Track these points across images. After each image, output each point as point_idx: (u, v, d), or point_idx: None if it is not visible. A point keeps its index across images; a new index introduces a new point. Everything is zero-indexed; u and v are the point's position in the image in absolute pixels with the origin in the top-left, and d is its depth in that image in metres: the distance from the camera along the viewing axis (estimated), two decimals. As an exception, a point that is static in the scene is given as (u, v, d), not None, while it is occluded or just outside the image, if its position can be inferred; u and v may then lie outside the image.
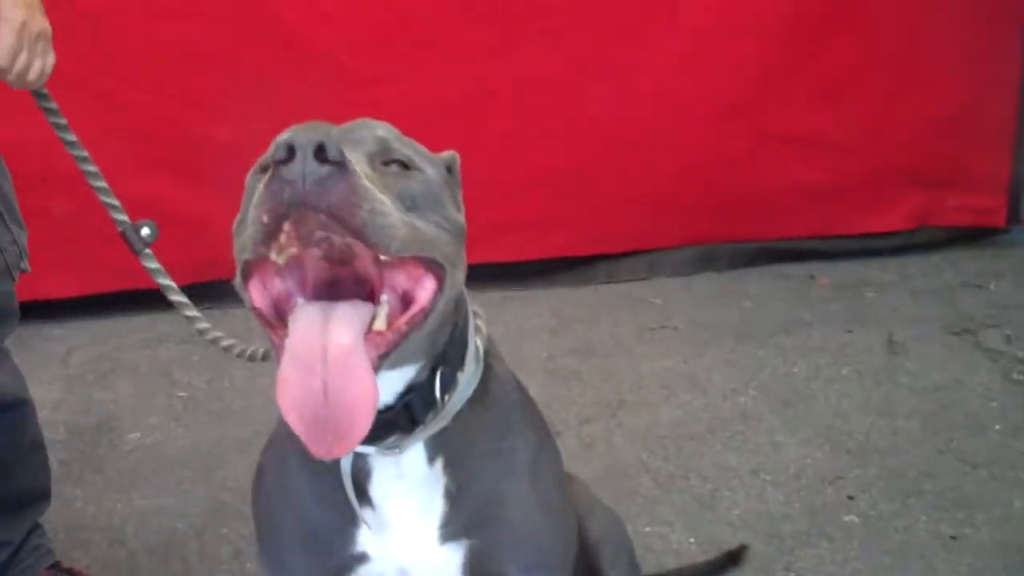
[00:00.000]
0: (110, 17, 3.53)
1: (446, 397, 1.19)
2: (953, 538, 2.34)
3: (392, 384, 1.15)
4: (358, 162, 1.02)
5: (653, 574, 2.19)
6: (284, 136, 0.94)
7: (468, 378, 1.23)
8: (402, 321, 1.04)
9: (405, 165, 1.11)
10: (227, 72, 3.71)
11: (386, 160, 1.10)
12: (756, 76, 3.81)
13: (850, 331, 3.42)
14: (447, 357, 1.19)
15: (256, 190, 0.97)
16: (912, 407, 2.90)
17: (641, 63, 3.76)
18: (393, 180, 1.07)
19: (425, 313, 1.07)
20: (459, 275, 1.15)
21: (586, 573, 1.77)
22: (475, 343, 1.26)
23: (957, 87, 3.90)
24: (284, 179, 0.91)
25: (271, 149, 1.04)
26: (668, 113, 3.83)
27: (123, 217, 1.57)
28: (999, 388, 2.98)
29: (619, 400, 3.06)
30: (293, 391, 0.95)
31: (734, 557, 2.28)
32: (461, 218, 1.18)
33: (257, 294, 1.05)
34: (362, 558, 1.27)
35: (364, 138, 1.11)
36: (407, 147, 1.14)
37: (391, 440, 1.17)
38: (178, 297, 1.62)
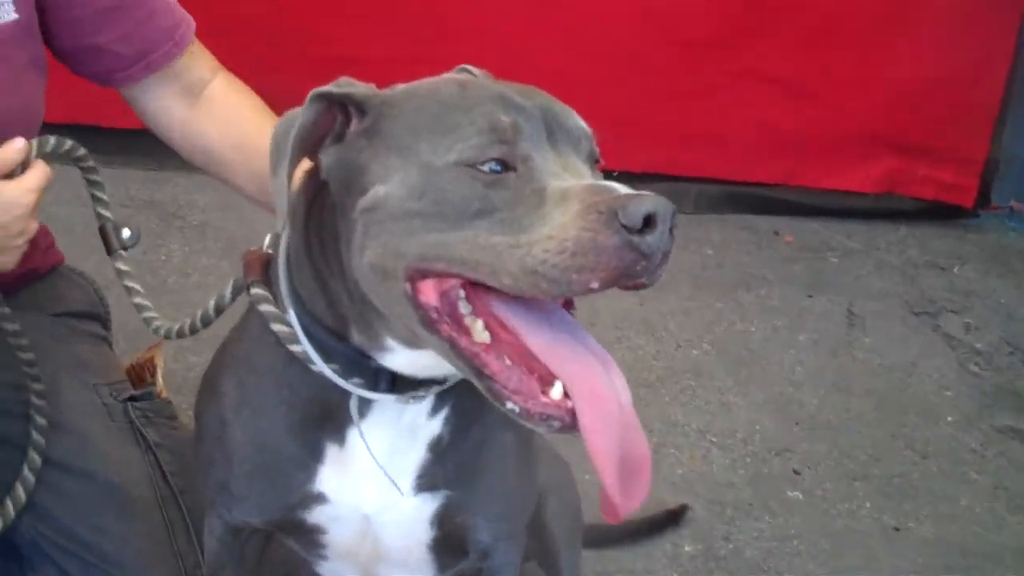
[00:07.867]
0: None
1: None
2: (896, 529, 2.28)
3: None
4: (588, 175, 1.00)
5: (592, 524, 2.09)
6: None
7: None
8: None
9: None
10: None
11: (595, 166, 1.06)
12: (742, 9, 3.63)
13: (810, 296, 3.32)
14: None
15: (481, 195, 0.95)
16: (867, 386, 2.82)
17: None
18: None
19: None
20: None
21: (529, 522, 1.68)
22: None
23: (948, 54, 3.74)
24: (639, 250, 0.88)
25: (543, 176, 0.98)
26: (646, 34, 3.62)
27: (108, 214, 1.55)
28: (954, 377, 2.92)
29: (569, 335, 2.93)
30: (605, 443, 0.93)
31: (674, 517, 2.18)
32: None
33: (428, 289, 0.98)
34: (319, 498, 1.19)
35: (578, 136, 1.04)
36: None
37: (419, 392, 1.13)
38: (140, 300, 1.55)
